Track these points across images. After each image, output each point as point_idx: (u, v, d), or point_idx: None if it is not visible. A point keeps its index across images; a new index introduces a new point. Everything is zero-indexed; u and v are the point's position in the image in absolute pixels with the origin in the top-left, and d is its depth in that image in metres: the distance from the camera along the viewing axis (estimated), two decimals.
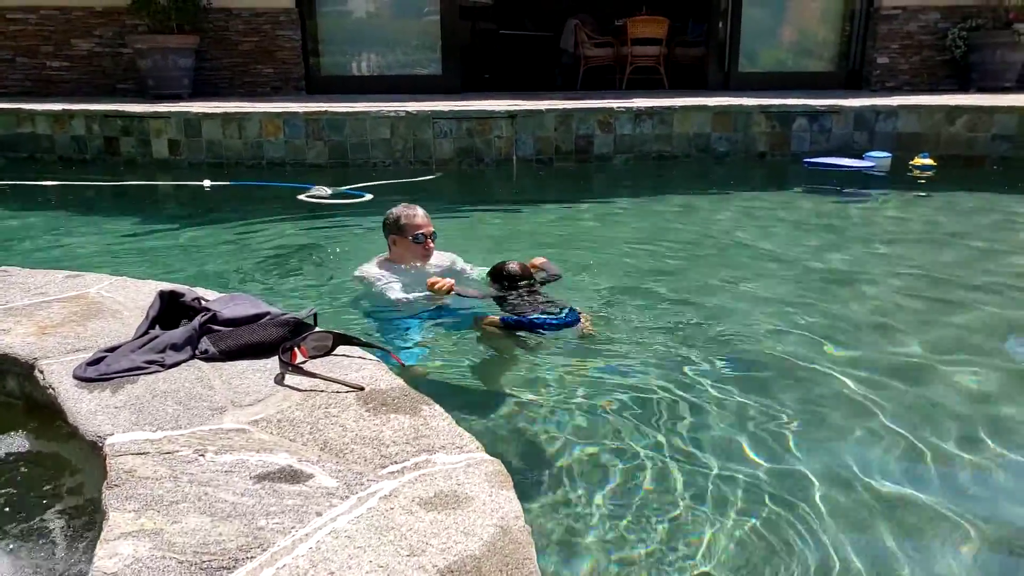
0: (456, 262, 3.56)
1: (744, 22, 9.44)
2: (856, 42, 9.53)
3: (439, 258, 3.48)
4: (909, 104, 7.49)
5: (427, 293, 3.10)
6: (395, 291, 3.19)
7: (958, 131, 7.34)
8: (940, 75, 9.32)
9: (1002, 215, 5.51)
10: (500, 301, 3.17)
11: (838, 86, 9.46)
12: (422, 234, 3.29)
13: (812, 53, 9.81)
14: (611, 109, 7.29)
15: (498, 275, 3.25)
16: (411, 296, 3.16)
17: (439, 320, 3.19)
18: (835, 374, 2.76)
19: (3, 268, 2.82)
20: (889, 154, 6.99)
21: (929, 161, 6.85)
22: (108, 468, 1.49)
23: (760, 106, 7.42)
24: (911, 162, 6.89)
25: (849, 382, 2.70)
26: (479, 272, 3.48)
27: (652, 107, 7.34)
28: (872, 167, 6.84)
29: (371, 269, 3.36)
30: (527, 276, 3.25)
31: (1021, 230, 5.15)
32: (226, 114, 7.14)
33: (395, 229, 3.33)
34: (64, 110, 7.34)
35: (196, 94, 8.67)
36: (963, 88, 9.01)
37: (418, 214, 3.31)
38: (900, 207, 6.06)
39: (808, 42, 9.79)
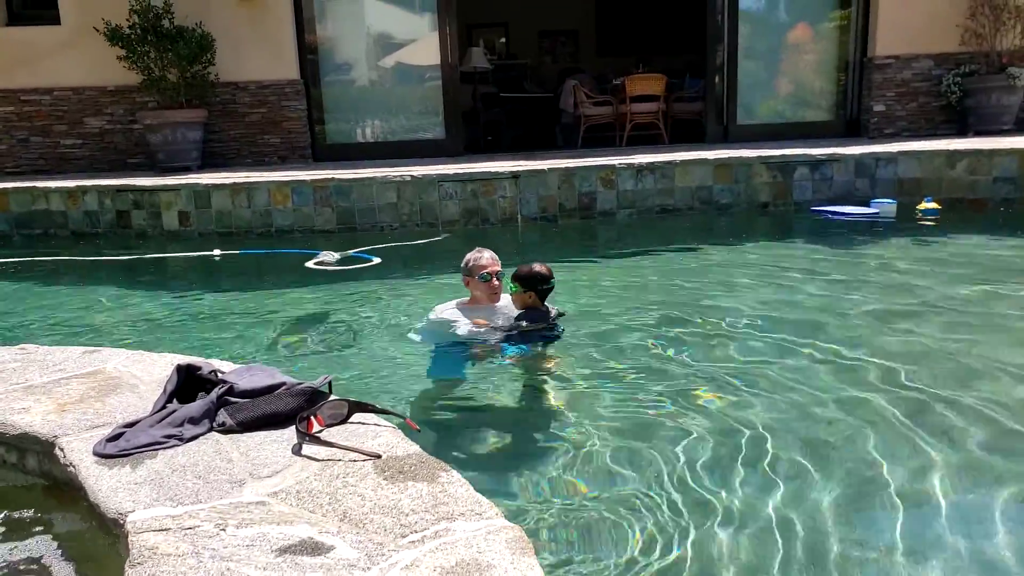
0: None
1: (740, 76, 9.59)
2: (852, 91, 9.68)
3: (505, 299, 3.84)
4: (909, 150, 7.56)
5: (496, 333, 3.60)
6: (464, 328, 3.61)
7: (959, 175, 7.40)
8: (937, 120, 9.43)
9: None
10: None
11: (837, 135, 9.57)
12: (487, 273, 3.68)
13: (809, 103, 9.95)
14: (613, 166, 7.39)
15: (527, 278, 3.61)
16: (483, 333, 3.59)
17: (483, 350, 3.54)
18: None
19: (21, 346, 2.86)
20: (894, 200, 7.04)
21: (934, 205, 6.90)
22: (130, 546, 1.49)
23: (760, 157, 7.51)
24: (917, 207, 6.94)
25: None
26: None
27: (653, 162, 7.43)
28: (878, 214, 6.89)
29: (451, 311, 3.72)
30: (550, 276, 3.63)
31: None
32: (235, 184, 7.28)
33: (465, 271, 3.76)
34: (77, 186, 7.48)
35: (205, 166, 8.84)
36: (961, 132, 9.11)
37: (483, 256, 3.72)
38: (909, 252, 6.08)
39: (805, 93, 9.93)
